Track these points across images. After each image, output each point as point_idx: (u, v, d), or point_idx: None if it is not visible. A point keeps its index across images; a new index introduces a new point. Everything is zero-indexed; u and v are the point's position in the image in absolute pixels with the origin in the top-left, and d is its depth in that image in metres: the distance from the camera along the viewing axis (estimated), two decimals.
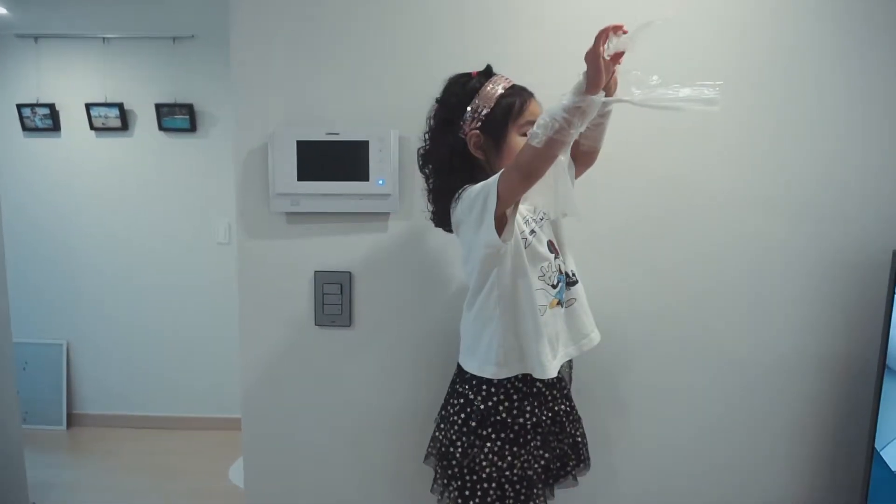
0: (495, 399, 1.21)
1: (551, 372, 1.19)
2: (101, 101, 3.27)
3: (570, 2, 1.47)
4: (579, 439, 1.36)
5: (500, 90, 1.18)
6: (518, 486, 1.23)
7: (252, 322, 1.57)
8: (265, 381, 1.58)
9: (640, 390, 1.58)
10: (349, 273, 1.54)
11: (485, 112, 1.17)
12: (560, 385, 1.31)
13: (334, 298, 1.54)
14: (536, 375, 1.19)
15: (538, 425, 1.24)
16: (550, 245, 1.24)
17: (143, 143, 3.34)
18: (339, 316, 1.55)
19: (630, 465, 1.59)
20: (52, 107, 3.29)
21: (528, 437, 1.22)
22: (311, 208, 1.51)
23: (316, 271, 1.54)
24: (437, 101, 1.24)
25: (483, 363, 1.21)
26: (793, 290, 1.53)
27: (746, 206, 1.51)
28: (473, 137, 1.19)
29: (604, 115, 1.19)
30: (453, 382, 1.31)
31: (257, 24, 1.49)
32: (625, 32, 0.98)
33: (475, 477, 1.21)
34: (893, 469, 1.44)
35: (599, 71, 0.97)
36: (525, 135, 1.18)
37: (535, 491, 1.25)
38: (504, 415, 1.21)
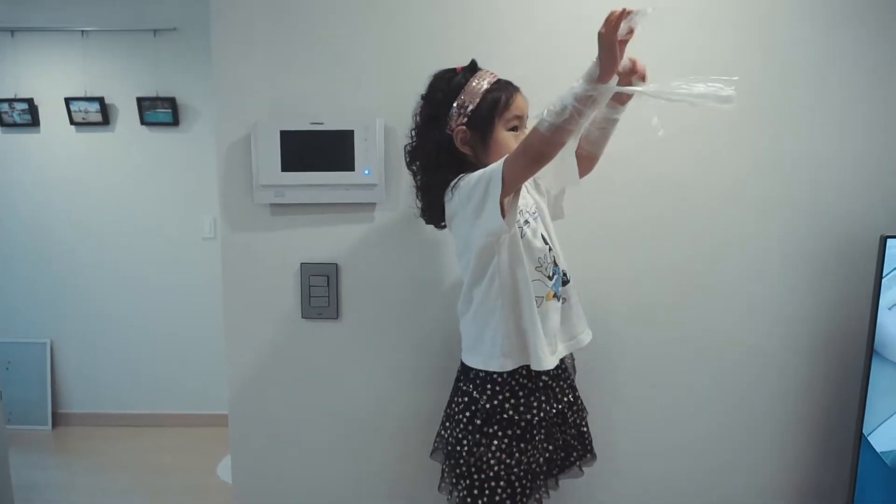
0: (501, 397, 1.20)
1: (547, 364, 1.18)
2: (81, 95, 3.21)
3: None
4: (584, 430, 1.36)
5: (485, 85, 1.18)
6: (524, 481, 1.22)
7: (238, 316, 1.55)
8: (252, 375, 1.56)
9: (633, 382, 1.57)
10: (336, 265, 1.52)
11: (470, 107, 1.17)
12: (565, 376, 1.30)
13: (321, 291, 1.52)
14: (534, 367, 1.19)
15: (544, 420, 1.23)
16: (544, 238, 1.24)
17: (124, 137, 3.29)
18: (327, 308, 1.53)
19: (622, 452, 1.59)
20: (30, 101, 3.23)
21: (534, 432, 1.22)
22: (295, 200, 1.49)
23: (302, 263, 1.52)
24: (423, 97, 1.24)
25: (489, 357, 1.20)
26: (780, 277, 1.53)
27: (737, 199, 1.51)
28: (460, 133, 1.19)
29: (610, 122, 1.18)
30: (457, 380, 1.30)
31: (239, 14, 1.46)
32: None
33: (482, 475, 1.20)
34: (879, 451, 1.46)
35: (615, 56, 0.94)
36: (513, 129, 1.19)
37: (538, 483, 1.26)
38: (511, 412, 1.20)
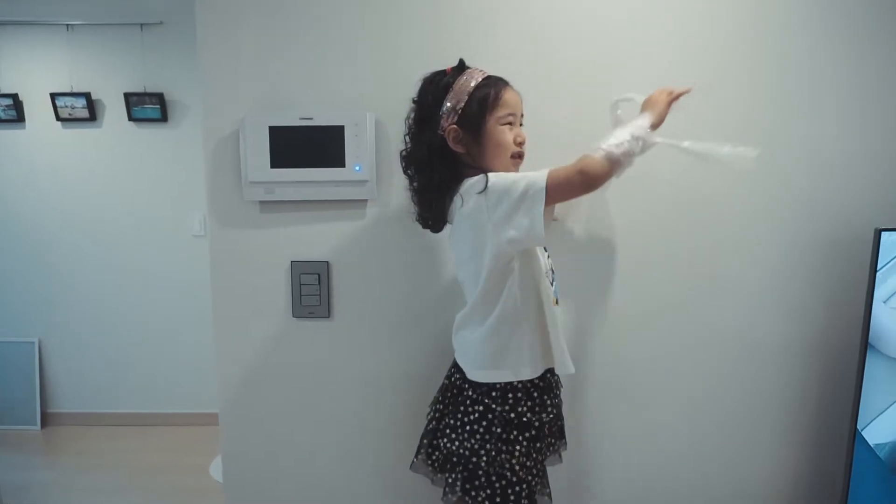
0: (521, 404, 1.20)
1: (569, 366, 1.23)
2: (67, 90, 3.17)
3: None
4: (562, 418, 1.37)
5: (473, 83, 1.19)
6: (538, 478, 1.25)
7: (227, 315, 1.52)
8: (242, 375, 1.54)
9: (628, 379, 1.56)
10: (327, 263, 1.50)
11: (461, 106, 1.18)
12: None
13: (312, 289, 1.50)
14: (558, 371, 1.22)
15: (550, 416, 1.25)
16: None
17: (112, 134, 3.26)
18: (318, 307, 1.51)
19: (617, 451, 1.58)
20: (15, 97, 3.19)
21: (545, 430, 1.23)
22: (285, 196, 1.46)
23: (292, 261, 1.50)
24: (414, 101, 1.24)
25: (516, 366, 1.20)
26: (775, 271, 1.53)
27: (731, 194, 1.50)
28: (452, 132, 1.19)
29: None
30: (456, 388, 1.27)
31: (225, 5, 1.43)
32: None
33: (505, 482, 1.19)
34: (873, 444, 1.46)
35: (664, 115, 1.16)
36: (507, 124, 1.20)
37: (545, 478, 1.29)
38: (529, 415, 1.20)
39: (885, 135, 1.49)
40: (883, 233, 1.39)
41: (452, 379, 1.29)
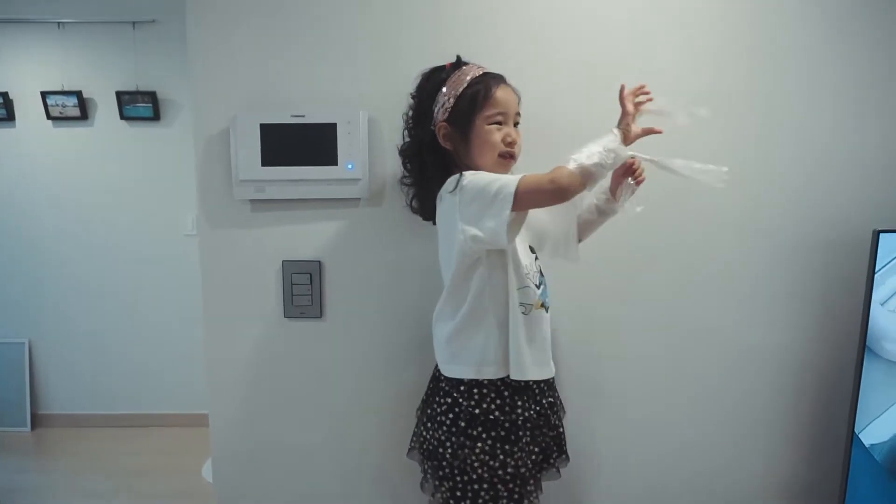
0: (487, 401, 1.18)
1: (531, 374, 1.18)
2: (58, 89, 3.14)
3: None
4: (561, 430, 1.33)
5: (467, 80, 1.19)
6: (511, 485, 1.20)
7: (218, 315, 1.51)
8: (233, 376, 1.52)
9: (625, 381, 1.55)
10: (319, 262, 1.48)
11: (451, 103, 1.18)
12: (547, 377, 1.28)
13: (304, 289, 1.48)
14: (513, 377, 1.17)
15: (528, 420, 1.21)
16: (531, 247, 1.25)
17: (104, 132, 3.23)
18: (310, 307, 1.49)
19: (614, 453, 1.57)
20: (5, 95, 3.16)
21: (520, 433, 1.19)
22: (276, 195, 1.44)
23: (284, 261, 1.48)
24: (412, 96, 1.25)
25: (480, 364, 1.18)
26: (773, 273, 1.52)
27: (729, 195, 1.46)
28: (442, 129, 1.20)
29: (602, 213, 1.28)
30: (436, 379, 1.27)
31: (217, 3, 1.42)
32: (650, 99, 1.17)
33: (466, 478, 1.19)
34: (868, 445, 1.45)
35: (630, 120, 1.15)
36: (497, 123, 1.19)
37: (528, 488, 1.24)
38: (497, 413, 1.18)
39: (882, 135, 1.48)
40: (881, 234, 1.38)
41: (435, 370, 1.30)
